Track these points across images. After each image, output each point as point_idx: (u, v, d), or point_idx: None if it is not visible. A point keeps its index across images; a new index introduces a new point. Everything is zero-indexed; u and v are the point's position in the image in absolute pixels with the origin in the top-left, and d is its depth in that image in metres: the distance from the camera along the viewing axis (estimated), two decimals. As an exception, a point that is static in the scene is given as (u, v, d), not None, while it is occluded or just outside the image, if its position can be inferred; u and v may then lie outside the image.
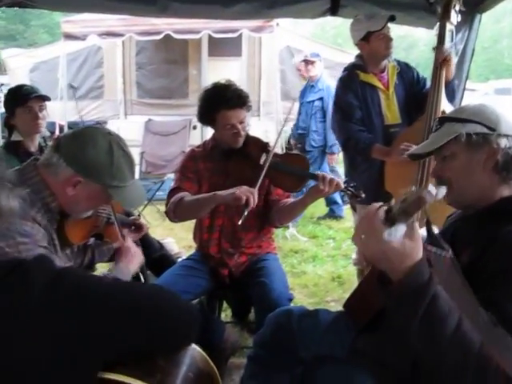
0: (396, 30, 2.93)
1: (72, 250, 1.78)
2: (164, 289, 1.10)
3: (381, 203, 1.06)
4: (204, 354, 1.08)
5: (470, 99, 4.77)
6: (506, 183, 1.29)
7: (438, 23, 2.70)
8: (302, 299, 3.30)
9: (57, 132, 5.73)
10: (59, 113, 5.97)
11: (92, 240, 1.99)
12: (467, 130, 1.29)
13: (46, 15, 21.97)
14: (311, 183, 2.16)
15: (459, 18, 2.70)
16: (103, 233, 1.95)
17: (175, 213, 2.19)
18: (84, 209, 1.61)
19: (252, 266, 2.33)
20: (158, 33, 5.82)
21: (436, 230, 1.11)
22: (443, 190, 1.01)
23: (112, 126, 6.63)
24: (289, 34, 7.05)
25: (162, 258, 2.87)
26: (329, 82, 4.95)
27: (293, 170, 2.16)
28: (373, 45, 2.70)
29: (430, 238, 1.18)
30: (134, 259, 1.77)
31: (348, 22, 2.91)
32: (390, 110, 2.79)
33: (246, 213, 1.96)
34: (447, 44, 2.66)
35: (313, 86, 5.00)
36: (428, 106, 2.58)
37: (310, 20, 3.68)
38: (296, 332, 1.41)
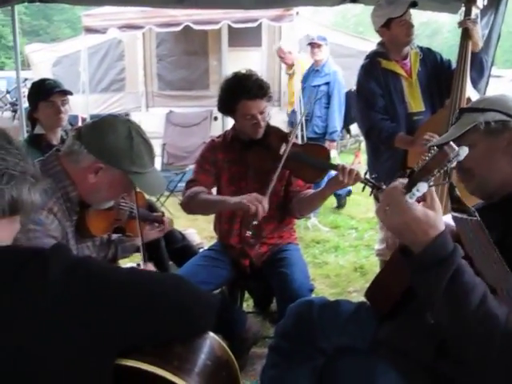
0: (419, 17, 2.89)
1: (94, 242, 1.79)
2: (181, 277, 1.10)
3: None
4: (222, 341, 1.08)
5: (495, 86, 4.66)
6: None
7: (463, 7, 2.63)
8: (323, 290, 3.29)
9: (79, 125, 5.81)
10: (82, 106, 6.04)
11: (116, 236, 2.01)
12: (486, 119, 1.29)
13: (68, 10, 22.22)
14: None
15: (485, 2, 2.62)
16: (125, 227, 1.96)
17: (188, 207, 2.24)
18: (105, 197, 1.63)
19: (273, 256, 2.33)
20: (178, 24, 5.82)
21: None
22: (465, 149, 0.99)
23: (134, 119, 6.65)
24: (309, 23, 6.98)
25: (183, 249, 2.88)
26: (335, 68, 4.89)
27: (313, 160, 2.14)
28: (394, 31, 2.65)
29: (455, 204, 1.17)
30: None
31: (369, 9, 2.85)
32: (414, 97, 2.74)
33: (254, 223, 1.97)
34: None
35: (318, 70, 4.89)
36: (452, 93, 2.53)
37: (329, 8, 3.63)
38: (317, 323, 1.40)
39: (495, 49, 2.92)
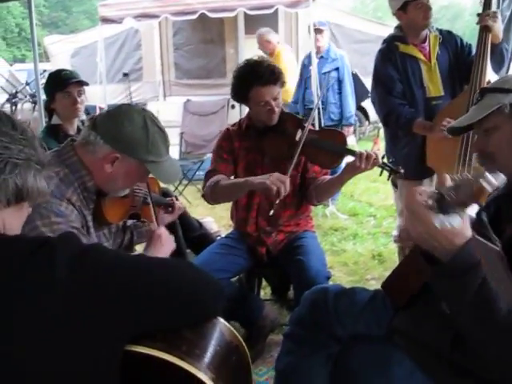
0: (440, 0, 2.79)
1: (110, 230, 1.81)
2: (190, 264, 1.10)
3: (426, 188, 1.02)
4: (231, 327, 1.08)
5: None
6: None
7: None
8: (341, 277, 3.27)
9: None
10: (99, 96, 6.09)
11: (131, 221, 2.03)
12: (511, 100, 1.22)
13: (86, 1, 22.41)
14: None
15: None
16: (140, 213, 1.98)
17: (211, 197, 2.23)
18: (122, 186, 1.64)
19: (290, 244, 2.32)
20: (193, 12, 5.79)
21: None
22: (503, 177, 0.94)
23: (151, 108, 6.70)
24: (326, 9, 6.89)
25: (201, 237, 2.90)
26: (341, 51, 4.82)
27: (329, 146, 2.12)
28: (411, 14, 2.59)
29: (481, 228, 1.12)
30: (164, 248, 1.71)
31: (387, -7, 2.79)
32: (433, 81, 2.68)
33: (277, 202, 1.95)
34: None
35: (322, 56, 4.81)
36: (472, 77, 2.46)
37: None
38: (332, 310, 1.39)
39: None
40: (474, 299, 0.94)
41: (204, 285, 1.02)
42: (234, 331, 1.08)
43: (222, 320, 1.07)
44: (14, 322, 0.76)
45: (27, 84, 5.48)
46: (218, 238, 2.90)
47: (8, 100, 5.50)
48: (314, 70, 4.67)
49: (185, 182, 5.35)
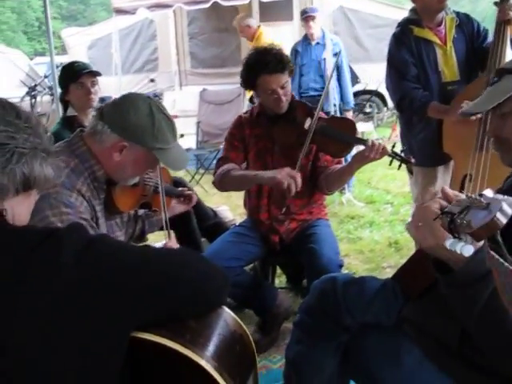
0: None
1: (122, 219, 1.83)
2: (195, 254, 1.11)
3: (439, 201, 0.98)
4: (236, 317, 1.08)
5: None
6: None
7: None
8: (357, 265, 3.26)
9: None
10: (115, 87, 6.12)
11: (142, 211, 2.05)
12: None
13: (102, -7, 22.42)
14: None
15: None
16: (151, 202, 1.99)
17: (220, 184, 2.25)
18: (131, 174, 1.65)
19: (302, 232, 2.32)
20: (206, 1, 5.76)
21: (491, 193, 1.00)
22: None
23: (168, 98, 6.76)
24: (342, -6, 6.79)
25: (215, 226, 2.90)
26: (336, 37, 4.78)
27: (338, 134, 2.09)
28: (425, -4, 2.52)
29: (494, 245, 1.09)
30: None
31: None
32: (448, 66, 2.61)
33: (289, 198, 1.94)
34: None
35: (318, 43, 4.75)
36: (490, 61, 2.40)
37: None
38: (341, 299, 1.38)
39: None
40: (484, 308, 0.92)
41: (210, 275, 1.02)
42: (239, 321, 1.08)
43: (227, 309, 1.07)
44: (18, 312, 0.77)
45: (45, 77, 5.55)
46: (233, 226, 2.90)
47: (27, 93, 5.58)
48: (328, 55, 4.61)
49: (201, 170, 5.38)
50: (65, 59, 7.76)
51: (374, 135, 6.39)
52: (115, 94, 6.30)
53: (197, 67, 7.42)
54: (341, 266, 2.13)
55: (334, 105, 4.72)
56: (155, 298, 0.90)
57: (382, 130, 7.58)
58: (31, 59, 10.66)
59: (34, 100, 5.55)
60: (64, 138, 2.40)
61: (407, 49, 2.59)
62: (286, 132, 2.15)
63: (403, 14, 5.83)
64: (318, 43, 4.76)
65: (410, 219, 1.04)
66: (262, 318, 2.43)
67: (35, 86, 5.57)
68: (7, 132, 0.84)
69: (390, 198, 4.67)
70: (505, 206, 0.85)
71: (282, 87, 2.12)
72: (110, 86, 5.52)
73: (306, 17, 4.68)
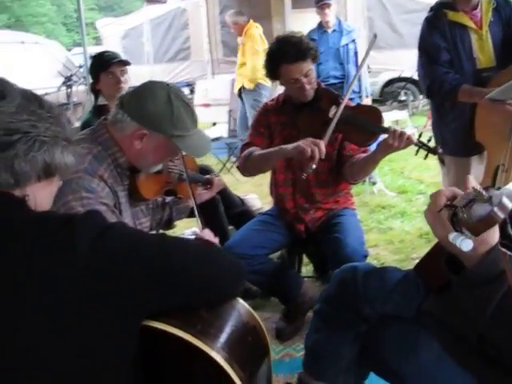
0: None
1: (147, 206, 1.86)
2: (211, 244, 1.11)
3: (453, 192, 0.96)
4: (249, 308, 1.08)
5: None
6: None
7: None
8: (386, 256, 3.21)
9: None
10: (147, 76, 6.19)
11: (170, 198, 2.07)
12: None
13: (138, -17, 22.62)
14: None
15: None
16: (176, 189, 2.01)
17: (245, 167, 2.24)
18: (152, 162, 1.66)
19: (328, 221, 2.30)
20: (238, -12, 5.75)
21: None
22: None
23: (200, 87, 6.79)
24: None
25: (243, 214, 2.91)
26: (352, 25, 4.76)
27: (363, 123, 2.05)
28: (460, -21, 2.43)
29: (506, 241, 1.04)
30: None
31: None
32: (484, 51, 2.51)
33: (313, 166, 1.91)
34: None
35: (335, 30, 4.69)
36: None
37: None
38: (360, 289, 1.36)
39: None
40: (497, 309, 0.90)
41: (224, 266, 1.03)
42: (253, 312, 1.08)
43: (241, 301, 1.07)
44: (32, 295, 0.78)
45: (80, 67, 5.67)
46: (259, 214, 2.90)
47: (64, 83, 5.72)
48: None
49: (233, 159, 5.39)
50: (100, 50, 7.91)
51: (409, 124, 6.25)
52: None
53: (229, 55, 7.41)
54: (365, 256, 2.10)
55: (354, 91, 4.66)
56: (168, 286, 0.91)
57: (417, 118, 7.40)
58: (70, 50, 10.91)
59: (69, 90, 5.68)
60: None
61: (440, 33, 2.50)
62: (311, 120, 2.12)
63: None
64: (334, 30, 4.70)
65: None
66: (286, 307, 2.44)
67: (71, 76, 5.69)
68: (30, 121, 0.87)
69: (423, 187, 4.57)
70: (504, 200, 0.82)
71: (306, 75, 2.09)
72: (143, 76, 5.59)
73: (322, 4, 4.62)
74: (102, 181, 1.51)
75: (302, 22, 5.56)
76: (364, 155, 2.15)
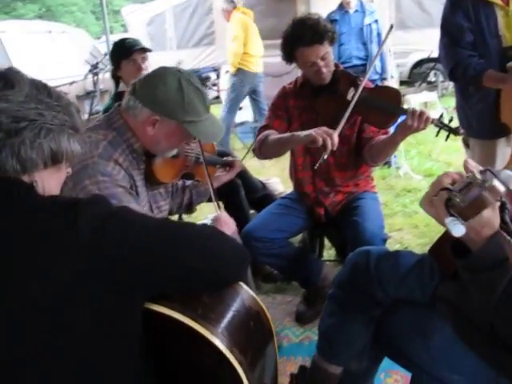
0: None
1: (166, 189, 1.88)
2: (215, 229, 1.12)
3: (452, 176, 0.94)
4: (253, 293, 1.08)
5: None
6: None
7: None
8: (410, 240, 3.18)
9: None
10: (171, 62, 6.22)
11: (190, 182, 2.09)
12: None
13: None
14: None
15: None
16: (194, 172, 2.02)
17: (260, 151, 2.23)
18: (166, 147, 1.67)
19: (348, 204, 2.29)
20: (263, -29, 5.67)
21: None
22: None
23: (225, 71, 6.76)
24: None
25: (264, 198, 2.92)
26: (373, 6, 4.66)
27: (382, 104, 2.02)
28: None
29: (505, 226, 1.02)
30: (225, 229, 1.63)
31: None
32: (510, 29, 2.40)
33: (325, 157, 1.90)
34: None
35: (357, 10, 4.60)
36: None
37: None
38: (373, 273, 1.36)
39: None
40: (503, 295, 0.88)
41: (227, 251, 1.04)
42: (257, 298, 1.08)
43: (245, 287, 1.08)
44: (34, 276, 0.81)
45: (105, 55, 5.73)
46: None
47: (90, 71, 5.80)
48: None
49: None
50: (126, 37, 7.97)
51: (438, 105, 6.10)
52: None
53: (253, 39, 7.34)
54: (385, 240, 2.08)
55: (377, 72, 4.59)
56: (172, 270, 0.92)
57: (446, 99, 7.20)
58: (99, 38, 11.01)
59: (96, 77, 5.75)
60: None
61: (463, 13, 2.42)
62: (329, 103, 2.10)
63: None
64: (356, 11, 4.62)
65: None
66: (307, 290, 2.45)
67: (97, 63, 5.75)
68: (37, 109, 0.90)
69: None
70: (495, 183, 0.80)
71: (322, 58, 2.06)
72: (167, 62, 5.62)
73: None
74: (117, 164, 1.54)
75: (325, 3, 5.46)
76: (384, 137, 2.12)
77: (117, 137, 1.57)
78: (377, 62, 4.57)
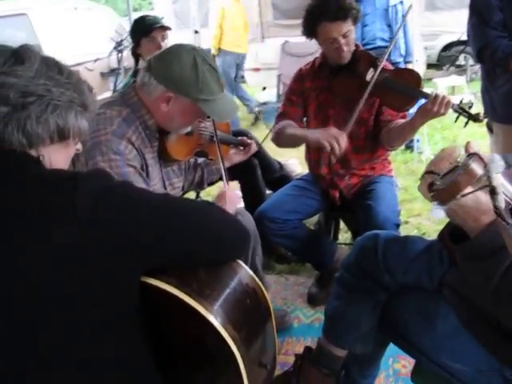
0: None
1: (179, 166, 1.89)
2: (216, 207, 1.12)
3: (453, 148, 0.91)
4: (251, 272, 1.08)
5: None
6: None
7: None
8: (428, 226, 3.13)
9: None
10: (196, 40, 6.17)
11: (202, 160, 2.10)
12: None
13: None
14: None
15: None
16: (207, 151, 2.03)
17: (276, 141, 2.26)
18: (180, 125, 1.68)
19: (363, 188, 2.26)
20: None
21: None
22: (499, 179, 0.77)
23: (250, 50, 6.70)
24: None
25: (281, 179, 2.91)
26: None
27: (401, 87, 1.97)
28: None
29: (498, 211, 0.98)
30: (228, 205, 1.65)
31: None
32: (542, 7, 2.33)
33: (334, 161, 1.89)
34: None
35: None
36: None
37: None
38: (380, 257, 1.34)
39: None
40: (500, 282, 0.86)
41: (225, 227, 1.04)
42: (253, 275, 1.08)
43: (243, 265, 1.08)
44: (31, 248, 0.82)
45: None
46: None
47: (114, 48, 5.81)
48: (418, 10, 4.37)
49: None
50: (152, 15, 7.94)
51: (466, 90, 5.93)
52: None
53: (279, 18, 7.23)
54: (398, 225, 2.05)
55: (401, 54, 4.54)
56: (170, 243, 0.93)
57: (475, 84, 6.98)
58: (126, 16, 10.99)
59: (120, 54, 5.76)
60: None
61: None
62: (347, 84, 2.06)
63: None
64: None
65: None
66: (319, 273, 2.44)
67: (121, 41, 5.76)
68: (46, 85, 0.90)
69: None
70: (472, 166, 0.78)
71: (344, 36, 2.01)
72: (191, 41, 5.59)
73: None
74: (129, 143, 1.55)
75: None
76: (402, 121, 2.08)
77: (131, 113, 1.58)
78: (401, 45, 4.48)
